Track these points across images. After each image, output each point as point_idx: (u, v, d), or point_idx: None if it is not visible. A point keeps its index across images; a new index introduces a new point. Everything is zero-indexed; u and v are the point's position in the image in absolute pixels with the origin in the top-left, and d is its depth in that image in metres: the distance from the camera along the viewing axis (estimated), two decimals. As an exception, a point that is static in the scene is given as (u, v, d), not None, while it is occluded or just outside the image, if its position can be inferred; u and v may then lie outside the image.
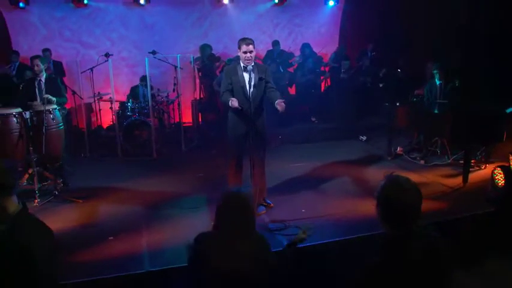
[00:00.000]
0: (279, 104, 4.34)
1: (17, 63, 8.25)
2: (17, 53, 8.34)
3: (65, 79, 8.48)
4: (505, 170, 4.88)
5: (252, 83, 4.44)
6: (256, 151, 4.68)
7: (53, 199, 5.28)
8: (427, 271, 1.96)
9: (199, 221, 4.56)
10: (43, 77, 5.80)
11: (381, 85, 8.54)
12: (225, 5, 9.84)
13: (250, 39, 4.46)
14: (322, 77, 9.45)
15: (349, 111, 8.50)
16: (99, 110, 8.47)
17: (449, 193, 5.37)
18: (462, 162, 6.31)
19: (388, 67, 8.76)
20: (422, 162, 6.58)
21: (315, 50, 9.93)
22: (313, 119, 8.92)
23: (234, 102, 4.35)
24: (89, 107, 8.79)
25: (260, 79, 4.52)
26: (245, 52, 4.40)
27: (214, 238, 2.34)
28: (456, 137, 5.92)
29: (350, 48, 10.23)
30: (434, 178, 5.87)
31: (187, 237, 3.73)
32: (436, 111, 6.56)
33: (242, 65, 4.49)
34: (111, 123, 8.31)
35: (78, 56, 9.09)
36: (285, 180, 5.92)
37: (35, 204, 5.09)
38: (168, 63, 7.91)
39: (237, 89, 4.51)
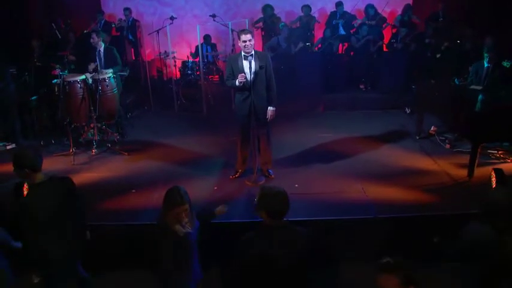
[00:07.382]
0: (268, 113, 5.19)
1: (103, 21, 9.58)
2: (101, 12, 9.63)
3: (141, 36, 9.68)
4: (497, 172, 4.83)
5: (253, 71, 5.01)
6: (261, 128, 5.36)
7: (107, 150, 6.59)
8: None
9: (206, 184, 5.46)
10: (102, 47, 6.86)
11: (438, 55, 8.15)
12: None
13: (248, 29, 5.06)
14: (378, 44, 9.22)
15: (399, 80, 8.36)
16: (165, 66, 9.56)
17: (449, 186, 5.23)
18: (489, 152, 6.14)
19: (452, 39, 8.21)
20: (448, 146, 6.44)
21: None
22: (362, 87, 8.98)
23: (240, 78, 4.96)
24: (162, 63, 9.91)
25: (261, 67, 5.05)
26: (244, 41, 4.94)
27: None
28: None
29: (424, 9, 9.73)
30: (445, 167, 5.76)
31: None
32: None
33: (243, 53, 5.04)
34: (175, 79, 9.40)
35: (156, 13, 10.12)
36: (299, 151, 6.39)
37: (92, 153, 6.45)
38: (226, 26, 8.57)
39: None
